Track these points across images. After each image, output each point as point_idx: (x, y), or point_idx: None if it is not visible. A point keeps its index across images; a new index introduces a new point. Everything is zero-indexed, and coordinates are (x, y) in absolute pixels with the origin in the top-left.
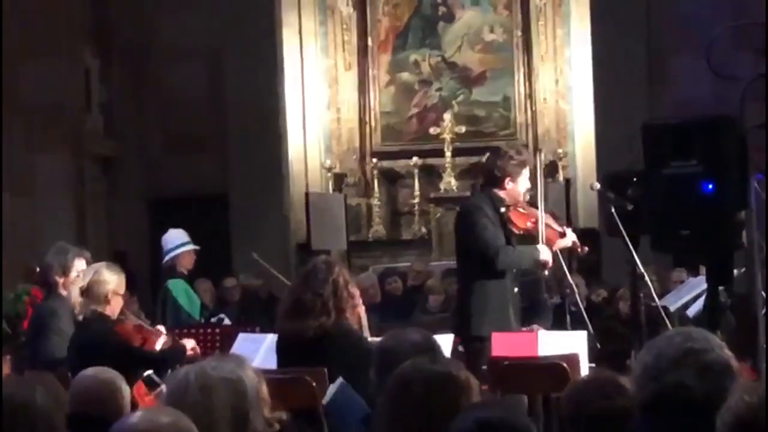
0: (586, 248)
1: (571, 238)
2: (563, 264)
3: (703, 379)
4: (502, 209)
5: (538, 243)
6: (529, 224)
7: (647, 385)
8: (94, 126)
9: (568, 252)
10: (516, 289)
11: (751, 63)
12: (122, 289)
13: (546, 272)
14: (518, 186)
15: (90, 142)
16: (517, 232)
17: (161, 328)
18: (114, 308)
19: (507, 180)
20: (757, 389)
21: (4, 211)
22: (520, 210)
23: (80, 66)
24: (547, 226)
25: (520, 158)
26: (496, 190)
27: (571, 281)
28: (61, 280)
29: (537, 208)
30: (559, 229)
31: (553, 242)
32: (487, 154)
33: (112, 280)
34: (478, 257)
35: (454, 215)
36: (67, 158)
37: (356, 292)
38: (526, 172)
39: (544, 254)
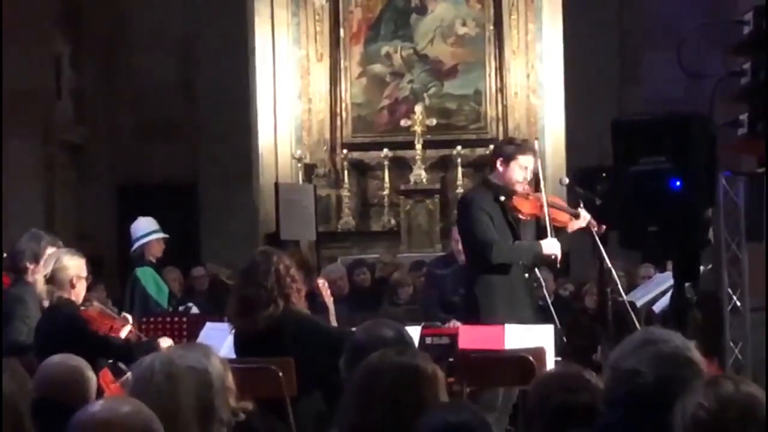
0: (604, 227)
1: (585, 218)
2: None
3: (659, 367)
4: (502, 198)
5: (545, 228)
6: (534, 209)
7: (612, 383)
8: (65, 113)
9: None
10: (527, 275)
11: (720, 62)
12: (84, 272)
13: (558, 264)
14: (510, 170)
15: (60, 128)
16: (523, 218)
17: (128, 316)
18: (79, 292)
19: (499, 161)
20: (716, 392)
21: None
22: (524, 196)
23: (51, 53)
24: (557, 208)
25: (521, 144)
26: (491, 176)
27: (539, 275)
28: (31, 267)
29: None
30: (571, 210)
31: (566, 225)
32: None
33: (73, 265)
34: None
35: (424, 207)
36: (37, 145)
37: (298, 275)
38: (522, 160)
39: (549, 248)
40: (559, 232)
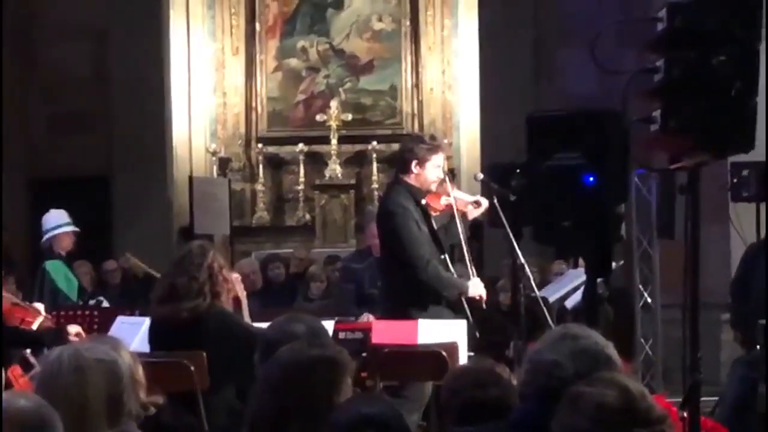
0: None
1: (485, 204)
2: (446, 256)
3: (578, 361)
4: (423, 201)
5: (454, 218)
6: (443, 202)
7: (530, 375)
8: None
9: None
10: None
11: (634, 58)
12: None
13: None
14: (426, 172)
15: None
16: (434, 214)
17: (40, 306)
18: None
19: (414, 164)
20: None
21: None
22: (433, 193)
23: None
24: (458, 199)
25: (432, 143)
26: (405, 177)
27: (453, 271)
28: None
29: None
30: (471, 199)
31: (465, 212)
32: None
33: None
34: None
35: (339, 203)
36: None
37: (231, 276)
38: (436, 159)
39: (475, 289)
40: (463, 218)
